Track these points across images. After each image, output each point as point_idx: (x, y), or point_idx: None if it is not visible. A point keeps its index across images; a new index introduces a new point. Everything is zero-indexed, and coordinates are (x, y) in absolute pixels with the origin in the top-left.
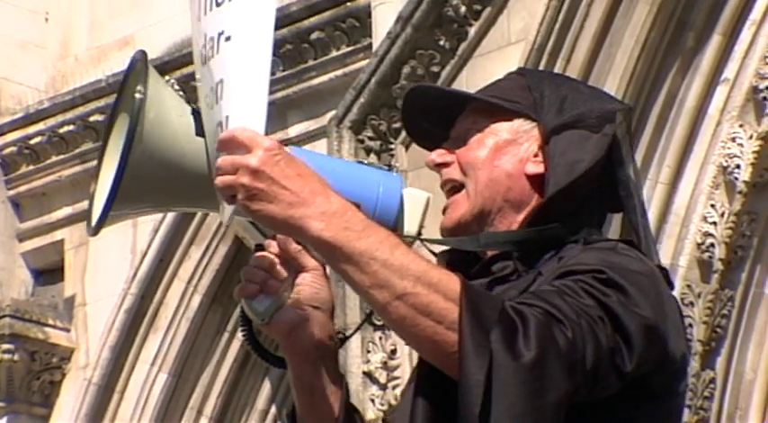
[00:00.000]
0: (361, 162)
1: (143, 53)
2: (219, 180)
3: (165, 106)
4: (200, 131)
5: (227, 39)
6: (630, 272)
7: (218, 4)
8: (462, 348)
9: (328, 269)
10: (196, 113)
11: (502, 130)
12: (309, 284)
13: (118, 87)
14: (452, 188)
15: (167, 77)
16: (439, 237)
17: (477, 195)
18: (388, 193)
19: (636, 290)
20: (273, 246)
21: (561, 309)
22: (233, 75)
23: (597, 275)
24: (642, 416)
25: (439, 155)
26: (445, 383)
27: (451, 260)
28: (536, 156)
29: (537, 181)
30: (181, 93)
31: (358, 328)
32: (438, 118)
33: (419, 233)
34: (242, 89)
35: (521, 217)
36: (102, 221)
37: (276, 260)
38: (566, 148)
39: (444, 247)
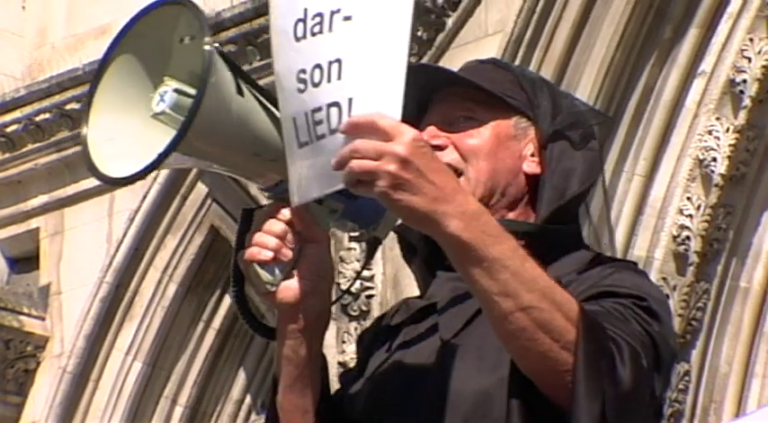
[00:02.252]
0: None
1: (191, 1)
2: (359, 164)
3: (221, 66)
4: (239, 90)
5: (347, 18)
6: (659, 301)
7: None
8: (577, 376)
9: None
10: (236, 70)
11: (502, 124)
12: (316, 256)
13: (126, 26)
14: None
15: (207, 39)
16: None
17: (478, 184)
18: None
19: (666, 318)
20: (284, 214)
21: (632, 336)
22: (359, 57)
23: (639, 302)
24: None
25: (431, 135)
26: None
27: (433, 250)
28: (533, 156)
29: (531, 181)
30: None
31: (334, 302)
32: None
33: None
34: (373, 74)
35: (512, 213)
36: (148, 170)
37: (288, 229)
38: (560, 154)
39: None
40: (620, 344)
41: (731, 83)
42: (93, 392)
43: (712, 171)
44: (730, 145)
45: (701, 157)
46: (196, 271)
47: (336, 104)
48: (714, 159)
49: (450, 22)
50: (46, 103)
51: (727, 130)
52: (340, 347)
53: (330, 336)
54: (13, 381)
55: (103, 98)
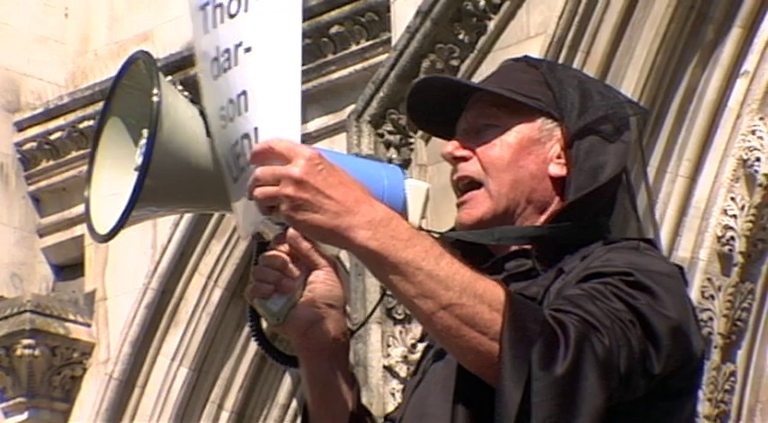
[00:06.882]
0: (358, 155)
1: (147, 53)
2: (260, 191)
3: (179, 108)
4: (210, 132)
5: (248, 50)
6: (656, 273)
7: (231, 16)
8: (501, 363)
9: (341, 266)
10: (203, 114)
11: (525, 128)
12: (323, 282)
13: (109, 88)
14: (469, 184)
15: (170, 78)
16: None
17: (501, 196)
18: (392, 186)
19: (662, 291)
20: (284, 244)
21: (596, 315)
22: (260, 86)
23: (625, 278)
24: (661, 413)
25: (455, 147)
26: (486, 390)
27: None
28: (559, 157)
29: (558, 183)
30: (185, 93)
31: (363, 324)
32: (446, 107)
33: (420, 224)
34: (272, 100)
35: (543, 218)
36: (121, 225)
37: (288, 259)
38: (588, 152)
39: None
40: (567, 326)
41: None
42: (140, 398)
43: (756, 171)
44: None
45: (745, 157)
46: (241, 275)
47: (247, 136)
48: (758, 159)
49: (491, 24)
50: (89, 110)
51: None
52: (385, 351)
53: (375, 340)
54: (59, 387)
55: (105, 155)
